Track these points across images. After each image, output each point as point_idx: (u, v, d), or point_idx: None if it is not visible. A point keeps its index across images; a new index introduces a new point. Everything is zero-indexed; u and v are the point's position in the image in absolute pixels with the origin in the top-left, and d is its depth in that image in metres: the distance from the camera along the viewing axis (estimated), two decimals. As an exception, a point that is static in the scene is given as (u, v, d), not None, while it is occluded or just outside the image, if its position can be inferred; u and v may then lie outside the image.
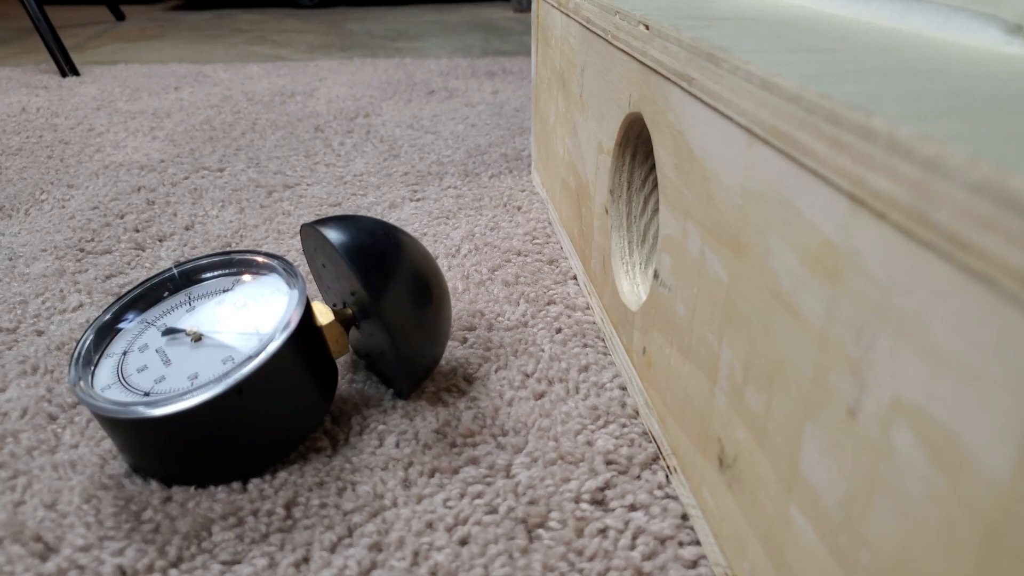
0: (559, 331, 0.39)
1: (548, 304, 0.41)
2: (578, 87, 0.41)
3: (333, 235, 0.31)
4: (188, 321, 0.31)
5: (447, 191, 0.59)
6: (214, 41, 1.38)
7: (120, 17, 1.67)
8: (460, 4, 2.02)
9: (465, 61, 1.12)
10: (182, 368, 0.29)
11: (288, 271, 0.32)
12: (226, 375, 0.27)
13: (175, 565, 0.25)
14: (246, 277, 0.33)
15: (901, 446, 0.14)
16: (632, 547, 0.25)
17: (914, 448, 0.14)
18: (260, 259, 0.33)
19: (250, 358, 0.28)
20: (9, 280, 0.45)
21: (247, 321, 0.31)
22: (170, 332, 0.31)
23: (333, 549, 0.25)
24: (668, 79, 0.26)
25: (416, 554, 0.25)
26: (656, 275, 0.29)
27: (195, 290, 0.33)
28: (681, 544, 0.26)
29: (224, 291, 0.33)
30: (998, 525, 0.12)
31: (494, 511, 0.27)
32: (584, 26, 0.38)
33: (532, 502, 0.27)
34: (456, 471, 0.29)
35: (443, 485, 0.28)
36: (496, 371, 0.35)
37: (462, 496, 0.28)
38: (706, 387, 0.24)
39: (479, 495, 0.28)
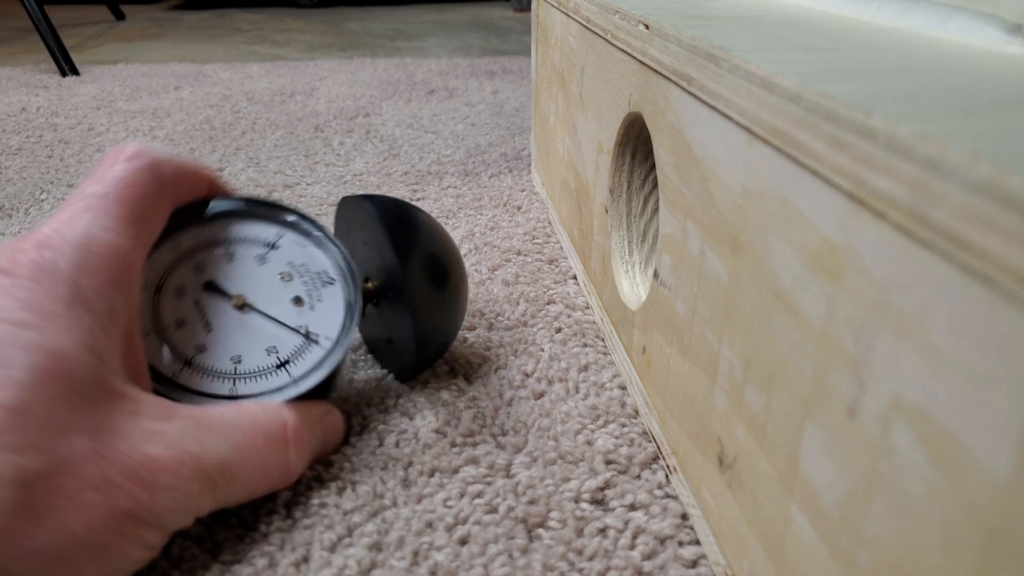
0: (559, 331, 0.39)
1: (548, 304, 0.41)
2: (578, 87, 0.41)
3: (370, 206, 0.31)
4: (228, 278, 0.29)
5: (447, 191, 0.59)
6: (214, 40, 1.38)
7: (120, 16, 1.66)
8: (460, 3, 2.02)
9: (465, 60, 1.12)
10: (225, 342, 0.27)
11: (349, 269, 0.30)
12: (280, 388, 0.27)
13: (176, 565, 0.25)
14: (292, 237, 0.30)
15: (901, 446, 0.14)
16: (632, 547, 0.25)
17: (914, 448, 0.14)
18: (316, 231, 0.30)
19: (304, 375, 0.27)
20: (9, 280, 0.45)
21: (294, 309, 0.29)
22: (211, 288, 0.28)
23: (333, 549, 0.25)
24: (668, 79, 0.26)
25: (416, 554, 0.25)
26: (656, 274, 0.29)
27: (233, 232, 0.29)
28: (681, 544, 0.26)
29: (267, 246, 0.29)
30: (998, 525, 0.12)
31: (494, 511, 0.27)
32: (584, 25, 0.38)
33: (532, 502, 0.27)
34: (456, 471, 0.29)
35: (443, 485, 0.28)
36: (496, 371, 0.35)
37: (462, 496, 0.28)
38: (706, 386, 0.24)
39: (479, 495, 0.28)
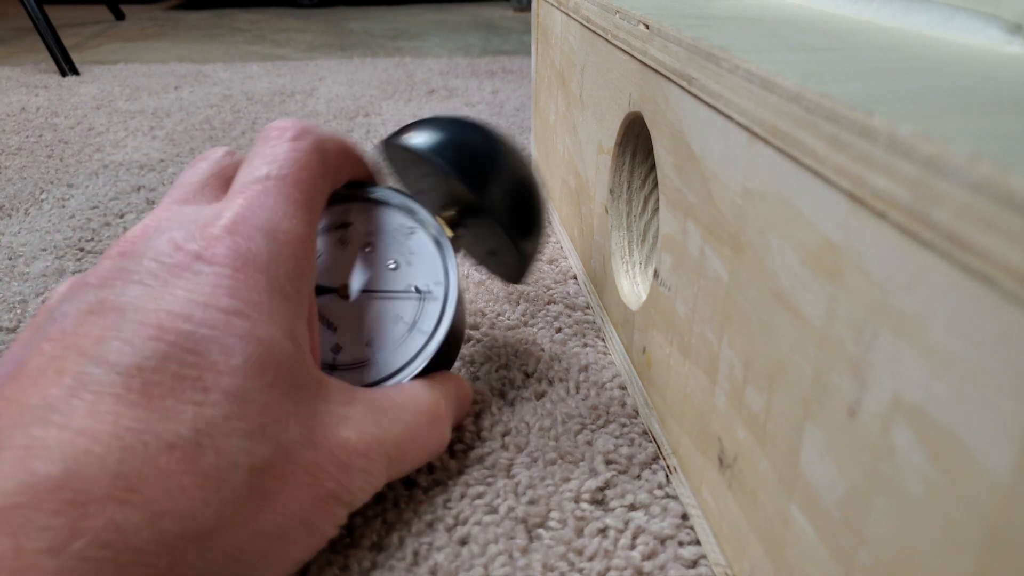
0: (559, 331, 0.39)
1: (548, 304, 0.41)
2: (578, 86, 0.41)
3: (419, 143, 0.30)
4: (323, 273, 0.29)
5: (447, 190, 0.59)
6: (214, 40, 1.38)
7: (120, 16, 1.67)
8: (460, 3, 2.03)
9: (465, 60, 1.12)
10: (353, 333, 0.28)
11: (419, 210, 0.30)
12: (422, 349, 0.27)
13: (175, 565, 0.25)
14: (358, 208, 0.30)
15: (901, 446, 0.14)
16: (632, 547, 0.25)
17: (914, 448, 0.14)
18: (373, 192, 0.30)
19: (435, 326, 0.27)
20: (9, 279, 0.45)
21: (394, 273, 0.29)
22: (322, 292, 0.29)
23: (333, 549, 0.25)
24: (668, 78, 0.26)
25: (416, 554, 0.25)
26: (656, 274, 0.29)
27: None
28: (681, 544, 0.26)
29: (341, 227, 0.30)
30: (998, 525, 0.12)
31: (494, 511, 0.27)
32: (584, 25, 0.38)
33: (532, 502, 0.27)
34: (457, 471, 0.29)
35: (444, 485, 0.28)
36: (496, 370, 0.35)
37: (462, 496, 0.28)
38: (706, 386, 0.24)
39: (479, 495, 0.28)
